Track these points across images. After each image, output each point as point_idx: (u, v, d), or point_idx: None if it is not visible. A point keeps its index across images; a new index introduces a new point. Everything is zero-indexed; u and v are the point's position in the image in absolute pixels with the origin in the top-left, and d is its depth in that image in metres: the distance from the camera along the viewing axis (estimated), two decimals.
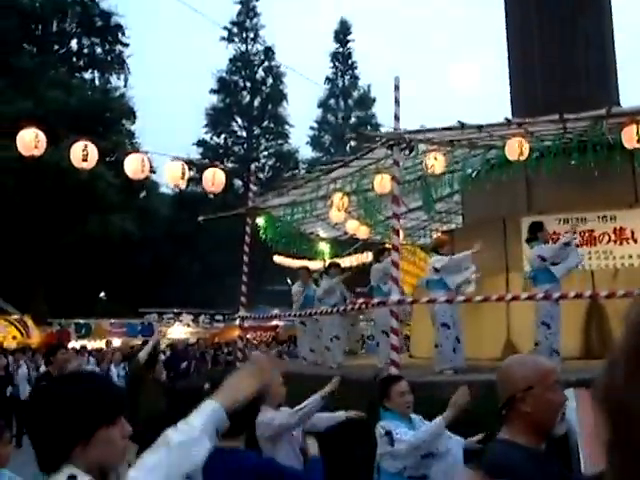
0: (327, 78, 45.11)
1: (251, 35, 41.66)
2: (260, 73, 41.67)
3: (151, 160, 8.86)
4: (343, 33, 45.20)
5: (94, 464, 1.44)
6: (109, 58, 34.63)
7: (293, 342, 16.09)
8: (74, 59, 34.20)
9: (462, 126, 7.01)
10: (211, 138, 40.52)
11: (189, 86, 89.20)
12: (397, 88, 6.96)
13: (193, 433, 1.47)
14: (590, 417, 3.65)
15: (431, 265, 7.45)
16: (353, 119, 44.42)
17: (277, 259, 18.05)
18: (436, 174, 7.99)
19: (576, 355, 7.44)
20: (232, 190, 31.60)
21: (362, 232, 12.56)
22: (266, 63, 41.67)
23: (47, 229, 26.79)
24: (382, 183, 8.03)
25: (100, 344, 21.35)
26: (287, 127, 41.80)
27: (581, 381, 4.36)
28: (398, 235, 7.03)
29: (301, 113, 43.60)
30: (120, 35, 34.44)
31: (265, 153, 41.73)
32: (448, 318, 7.06)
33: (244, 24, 41.44)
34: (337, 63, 45.43)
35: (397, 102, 6.92)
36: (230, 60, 41.03)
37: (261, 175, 37.00)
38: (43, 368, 9.61)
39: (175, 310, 28.96)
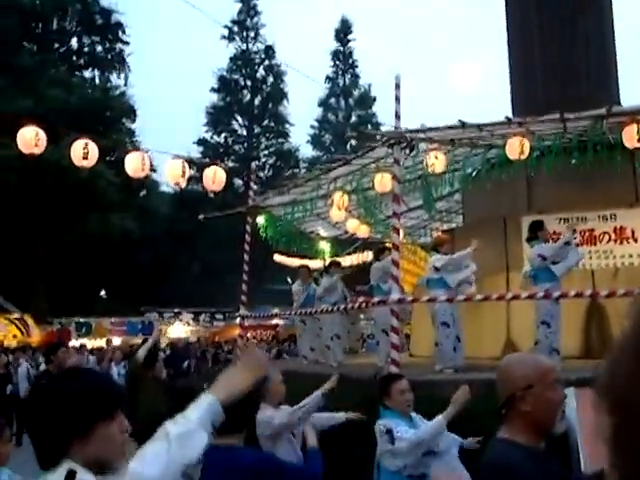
0: (328, 77, 45.09)
1: (252, 34, 41.65)
2: (261, 72, 41.65)
3: (151, 158, 8.86)
4: (344, 32, 45.16)
5: (93, 459, 1.44)
6: (109, 56, 34.60)
7: (293, 341, 16.08)
8: (74, 57, 34.17)
9: (463, 125, 7.01)
10: (211, 137, 40.51)
11: (189, 85, 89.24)
12: (398, 86, 6.95)
13: (191, 426, 1.49)
14: (590, 416, 3.65)
15: (431, 264, 7.46)
16: (354, 118, 44.39)
17: (277, 258, 18.03)
18: (437, 173, 7.99)
19: (576, 354, 7.44)
20: (232, 189, 31.58)
21: (362, 231, 12.56)
22: (267, 62, 41.64)
23: (47, 227, 26.80)
24: (383, 182, 8.03)
25: (101, 343, 21.37)
26: (287, 126, 41.80)
27: (581, 380, 4.35)
28: (398, 234, 7.03)
29: (302, 112, 43.64)
30: (120, 33, 34.42)
31: (265, 152, 41.71)
32: (448, 317, 7.06)
33: (245, 23, 41.41)
34: (338, 62, 45.39)
35: (398, 100, 6.92)
36: (231, 59, 41.01)
37: (261, 174, 36.98)
38: (43, 367, 9.61)
39: (176, 309, 28.98)
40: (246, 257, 10.09)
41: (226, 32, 40.63)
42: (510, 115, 8.53)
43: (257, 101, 41.28)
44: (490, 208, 9.51)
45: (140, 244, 30.09)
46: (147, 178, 23.34)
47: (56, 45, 33.36)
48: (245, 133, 41.16)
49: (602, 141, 7.25)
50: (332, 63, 45.30)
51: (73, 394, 1.48)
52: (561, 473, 1.93)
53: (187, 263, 34.29)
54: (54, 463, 1.42)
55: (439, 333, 7.08)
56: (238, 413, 2.44)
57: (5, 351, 15.21)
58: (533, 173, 8.39)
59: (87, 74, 34.56)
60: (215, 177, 8.56)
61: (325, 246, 14.95)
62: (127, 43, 34.84)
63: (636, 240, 8.57)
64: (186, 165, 8.14)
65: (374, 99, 44.56)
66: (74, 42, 34.07)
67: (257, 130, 41.24)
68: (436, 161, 7.49)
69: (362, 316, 13.48)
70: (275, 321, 25.69)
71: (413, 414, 3.91)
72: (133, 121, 33.39)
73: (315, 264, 13.30)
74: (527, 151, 6.98)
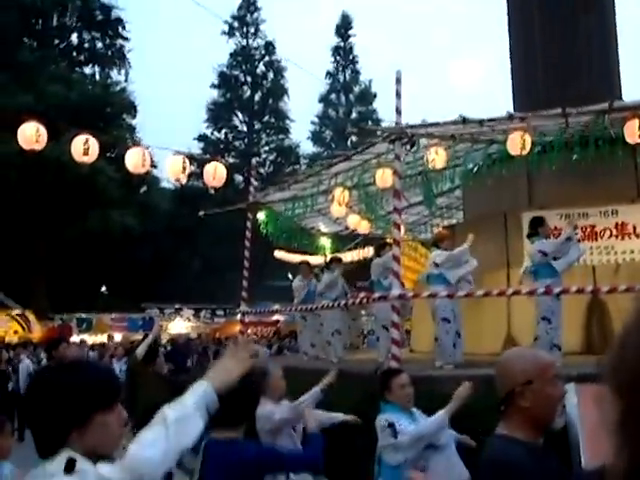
0: (328, 73, 45.06)
1: (252, 29, 41.61)
2: (261, 68, 41.61)
3: (152, 155, 8.85)
4: (344, 27, 45.06)
5: (91, 449, 1.46)
6: (109, 52, 34.57)
7: (294, 337, 16.09)
8: (74, 53, 34.14)
9: (464, 120, 6.98)
10: (212, 133, 40.51)
11: (190, 81, 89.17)
12: (399, 81, 6.94)
13: (187, 411, 1.54)
14: (591, 412, 3.65)
15: (432, 260, 7.45)
16: (354, 114, 44.35)
17: (278, 254, 18.04)
18: (437, 169, 7.97)
19: (577, 350, 7.44)
20: (232, 185, 31.57)
21: (363, 227, 12.55)
22: (267, 58, 41.60)
23: (48, 224, 26.82)
24: (383, 177, 8.02)
25: (101, 339, 21.40)
26: (288, 122, 41.79)
27: (582, 376, 4.35)
28: (399, 230, 7.02)
29: (302, 108, 43.61)
30: (120, 29, 34.39)
31: (266, 148, 41.70)
32: (449, 313, 7.06)
33: (245, 18, 41.35)
34: (338, 58, 45.32)
35: (398, 95, 6.90)
36: (231, 55, 40.99)
37: (262, 170, 36.98)
38: (45, 362, 9.63)
39: (176, 305, 29.01)
40: (247, 253, 10.09)
41: (226, 28, 40.65)
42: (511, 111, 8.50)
43: (257, 97, 41.24)
44: (491, 204, 9.50)
45: (141, 240, 30.11)
46: (147, 174, 23.38)
47: (56, 41, 33.32)
48: (245, 129, 41.14)
49: (604, 136, 7.23)
50: (332, 59, 45.31)
51: (73, 384, 1.50)
52: (559, 469, 1.92)
53: (188, 259, 34.32)
54: (53, 452, 1.44)
55: (439, 329, 7.08)
56: (238, 407, 2.45)
57: (6, 347, 15.24)
58: (534, 169, 8.37)
59: (87, 70, 34.62)
60: (215, 173, 8.55)
61: (326, 242, 14.95)
62: (127, 39, 34.87)
63: (637, 236, 8.55)
64: (187, 161, 8.13)
65: (375, 95, 44.55)
66: (74, 38, 34.09)
67: (257, 126, 41.22)
68: (437, 157, 7.47)
69: (363, 312, 13.48)
70: (276, 317, 25.70)
71: (414, 409, 3.92)
72: (133, 117, 33.42)
73: (316, 260, 13.30)
74: (528, 146, 6.96)
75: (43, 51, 30.83)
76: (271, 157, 41.43)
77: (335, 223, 12.84)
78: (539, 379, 1.86)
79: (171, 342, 17.92)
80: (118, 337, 20.38)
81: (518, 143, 6.94)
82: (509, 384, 1.88)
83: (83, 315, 26.34)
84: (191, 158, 8.85)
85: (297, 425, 4.13)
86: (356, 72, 45.62)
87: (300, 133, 54.12)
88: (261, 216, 10.89)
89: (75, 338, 20.63)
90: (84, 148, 7.33)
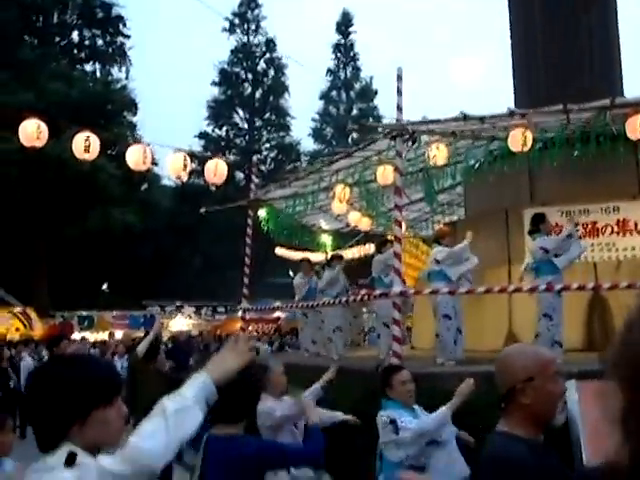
0: (329, 70, 44.97)
1: (253, 27, 41.52)
2: (262, 65, 41.54)
3: (153, 152, 8.83)
4: (345, 24, 44.96)
5: (91, 443, 1.47)
6: (110, 50, 34.53)
7: (295, 334, 16.11)
8: (75, 51, 34.11)
9: (465, 117, 6.97)
10: (213, 130, 40.46)
11: (190, 78, 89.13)
12: (400, 78, 6.92)
13: (186, 402, 1.55)
14: (593, 409, 3.65)
15: (433, 256, 7.45)
16: (355, 111, 44.27)
17: (279, 251, 18.05)
18: (438, 165, 7.96)
19: (578, 347, 7.44)
20: (233, 182, 31.57)
21: (364, 224, 12.54)
22: (268, 55, 41.53)
23: (49, 221, 26.84)
24: (384, 174, 8.00)
25: (103, 336, 21.44)
26: (289, 119, 41.74)
27: (583, 373, 4.35)
28: (400, 227, 7.02)
29: (303, 105, 43.53)
30: (121, 26, 34.34)
31: (267, 145, 41.67)
32: (450, 309, 7.06)
33: (245, 15, 41.27)
34: (339, 55, 45.22)
35: (400, 92, 6.89)
36: (231, 52, 40.91)
37: (263, 167, 36.92)
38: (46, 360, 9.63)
39: (177, 303, 29.04)
40: (247, 250, 10.08)
41: (227, 25, 40.60)
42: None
43: (258, 94, 41.19)
44: (492, 201, 9.49)
45: (142, 238, 30.13)
46: (148, 171, 23.34)
47: (57, 39, 33.30)
48: (246, 126, 41.10)
49: (605, 133, 7.21)
50: (333, 56, 45.19)
51: (73, 378, 1.50)
52: (560, 466, 1.92)
53: (189, 257, 34.33)
54: (54, 446, 1.45)
55: (440, 325, 7.08)
56: (239, 403, 2.45)
57: (8, 345, 15.25)
58: (535, 165, 8.36)
59: (88, 67, 34.58)
60: (216, 170, 8.54)
61: (327, 239, 14.95)
62: (128, 36, 34.80)
63: (639, 232, 8.54)
64: (187, 158, 8.12)
65: (375, 92, 44.45)
66: (75, 35, 34.05)
67: (258, 123, 41.17)
68: (438, 153, 7.46)
69: (364, 309, 13.48)
70: (277, 314, 25.73)
71: (415, 406, 3.92)
72: (134, 114, 33.39)
73: (317, 257, 13.30)
74: (529, 143, 6.94)
75: (44, 49, 30.80)
76: (272, 154, 41.41)
77: (336, 220, 12.83)
78: (540, 376, 1.85)
79: (172, 339, 17.94)
80: (119, 335, 20.42)
81: (519, 140, 6.93)
82: (510, 381, 1.87)
83: (84, 313, 26.38)
84: (192, 155, 8.84)
85: (298, 422, 4.13)
86: (357, 69, 45.55)
87: (301, 130, 54.02)
88: (262, 213, 10.88)
89: (76, 335, 20.67)
90: (85, 145, 7.33)
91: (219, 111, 40.11)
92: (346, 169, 9.26)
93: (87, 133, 7.39)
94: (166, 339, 17.63)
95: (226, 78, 40.54)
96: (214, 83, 40.57)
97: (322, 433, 2.97)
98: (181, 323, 27.18)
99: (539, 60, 10.32)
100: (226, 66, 40.71)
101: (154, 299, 29.17)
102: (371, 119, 39.73)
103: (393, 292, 6.63)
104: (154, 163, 16.42)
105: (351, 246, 15.67)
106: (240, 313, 11.34)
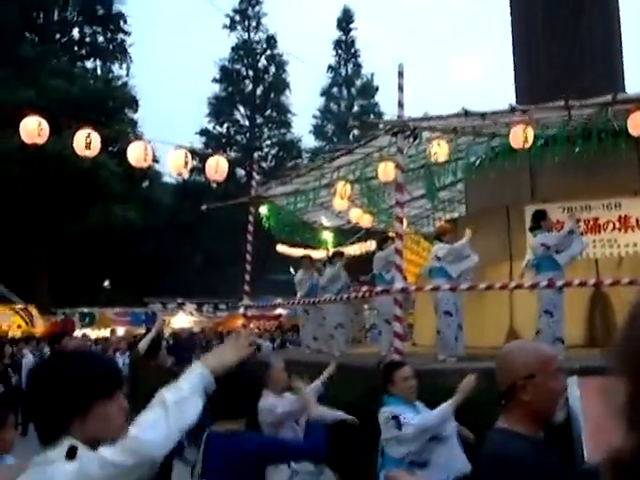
0: (330, 66, 44.87)
1: (253, 23, 41.41)
2: (262, 62, 41.45)
3: (154, 149, 8.83)
4: (346, 21, 44.85)
5: (92, 437, 1.47)
6: (111, 47, 34.46)
7: (296, 331, 16.12)
8: (76, 48, 34.05)
9: (466, 113, 6.96)
10: (214, 127, 40.40)
11: (191, 75, 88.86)
12: (401, 75, 6.91)
13: (185, 393, 1.56)
14: (594, 405, 3.65)
15: (434, 253, 7.44)
16: (356, 108, 44.20)
17: (280, 248, 18.03)
18: (440, 162, 7.95)
19: (580, 343, 7.43)
20: (234, 179, 31.52)
21: (365, 220, 12.54)
22: (268, 51, 41.45)
23: (50, 218, 26.85)
24: (386, 171, 8.00)
25: (104, 333, 21.47)
26: (290, 116, 41.66)
27: (585, 369, 4.35)
28: (401, 223, 7.02)
29: (304, 102, 43.45)
30: (122, 23, 34.26)
31: (268, 142, 41.61)
32: (451, 306, 7.06)
33: (246, 12, 41.17)
34: (340, 51, 45.12)
35: (401, 89, 6.87)
36: (232, 49, 40.81)
37: (264, 164, 36.85)
38: None
39: (179, 300, 29.06)
40: (249, 247, 10.08)
41: (228, 22, 40.51)
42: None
43: (259, 91, 41.12)
44: (493, 197, 9.47)
45: (143, 235, 30.14)
46: (149, 168, 23.32)
47: (57, 35, 33.24)
48: (247, 123, 41.04)
49: (607, 129, 7.20)
50: (334, 52, 45.07)
51: (74, 373, 1.51)
52: (560, 463, 1.92)
53: (190, 254, 34.33)
54: (54, 440, 1.46)
55: (441, 322, 7.08)
56: (239, 399, 2.45)
57: (10, 342, 15.27)
58: (537, 162, 8.34)
59: (89, 64, 34.51)
60: (218, 167, 8.53)
61: (328, 236, 14.95)
62: (128, 33, 34.74)
63: None
64: (189, 155, 8.12)
65: (376, 89, 44.36)
66: (75, 32, 33.99)
67: (259, 120, 41.12)
68: (439, 150, 7.45)
69: (366, 306, 13.48)
70: (278, 311, 25.74)
71: (417, 402, 3.92)
72: (135, 111, 33.33)
73: (318, 254, 13.29)
74: (531, 140, 6.93)
75: (44, 46, 30.75)
76: (273, 151, 41.35)
77: (337, 217, 12.82)
78: (541, 372, 1.84)
79: (174, 336, 17.96)
80: (121, 331, 20.46)
81: (520, 136, 6.92)
82: (511, 377, 1.86)
83: (86, 310, 26.40)
84: (193, 152, 8.84)
85: (300, 418, 4.13)
86: (358, 66, 45.45)
87: (302, 127, 53.86)
88: (263, 210, 10.88)
89: (78, 332, 20.70)
90: (86, 142, 7.33)
91: (220, 108, 40.05)
92: (347, 166, 9.26)
93: (88, 130, 7.39)
94: (167, 336, 17.66)
95: (227, 75, 40.48)
96: (215, 80, 40.51)
97: (323, 429, 2.97)
98: (183, 320, 27.20)
99: (540, 58, 10.28)
100: (227, 63, 40.65)
101: (155, 296, 29.19)
102: (372, 116, 39.69)
103: (394, 289, 6.63)
104: (155, 160, 16.46)
105: (352, 243, 15.66)
106: (241, 310, 11.35)
